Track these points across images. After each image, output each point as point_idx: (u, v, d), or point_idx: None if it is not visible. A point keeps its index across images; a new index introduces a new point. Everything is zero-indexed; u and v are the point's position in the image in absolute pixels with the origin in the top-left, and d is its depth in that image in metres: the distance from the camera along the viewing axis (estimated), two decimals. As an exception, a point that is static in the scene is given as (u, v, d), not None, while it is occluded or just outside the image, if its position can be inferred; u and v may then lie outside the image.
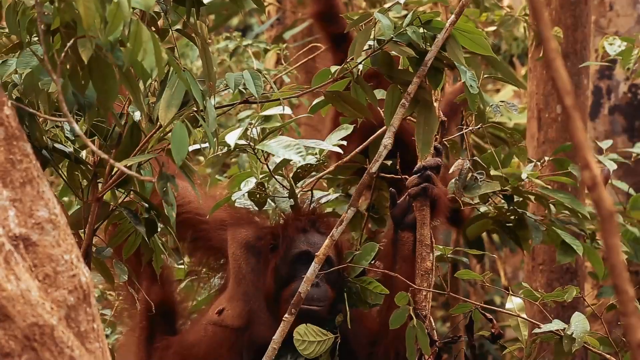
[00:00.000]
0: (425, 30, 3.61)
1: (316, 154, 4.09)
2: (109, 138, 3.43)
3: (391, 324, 3.79)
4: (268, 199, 4.18)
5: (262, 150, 3.87)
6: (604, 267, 4.46)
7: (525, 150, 4.31)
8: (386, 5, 3.83)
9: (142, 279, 4.06)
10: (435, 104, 3.84)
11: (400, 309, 3.79)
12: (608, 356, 3.95)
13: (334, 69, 3.73)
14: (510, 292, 4.12)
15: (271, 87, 3.79)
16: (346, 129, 4.08)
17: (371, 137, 4.09)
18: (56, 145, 3.44)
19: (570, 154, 4.57)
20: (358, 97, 3.69)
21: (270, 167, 4.04)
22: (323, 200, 4.41)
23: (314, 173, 4.23)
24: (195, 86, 3.19)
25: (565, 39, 5.05)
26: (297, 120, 4.49)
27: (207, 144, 3.29)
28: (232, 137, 3.72)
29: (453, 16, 3.63)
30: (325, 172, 4.22)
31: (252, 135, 3.80)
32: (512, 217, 4.38)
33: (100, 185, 3.47)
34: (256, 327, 4.02)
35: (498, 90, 7.37)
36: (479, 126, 4.16)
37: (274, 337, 3.70)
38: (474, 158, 4.23)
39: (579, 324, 3.92)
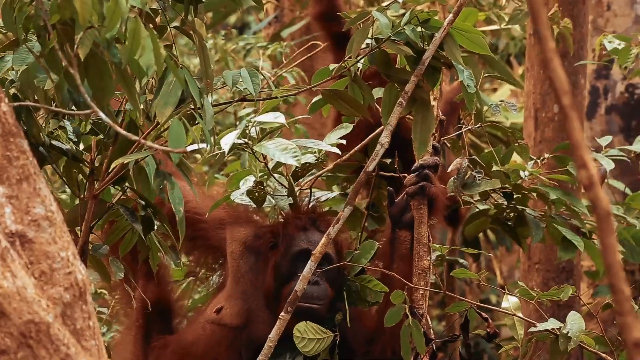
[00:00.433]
0: (423, 29, 3.61)
1: (315, 152, 4.09)
2: (106, 135, 3.43)
3: (386, 322, 3.79)
4: (267, 197, 4.18)
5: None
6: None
7: (527, 148, 4.31)
8: (384, 4, 3.83)
9: (138, 277, 4.06)
10: (433, 103, 3.85)
11: (396, 307, 3.79)
12: (604, 355, 3.96)
13: (332, 67, 3.73)
14: (506, 291, 4.12)
15: (268, 85, 3.78)
16: (345, 128, 4.09)
17: (370, 136, 4.09)
18: (53, 142, 3.43)
19: (568, 153, 4.57)
20: (355, 96, 3.69)
21: (269, 165, 4.04)
22: (323, 199, 4.40)
23: (313, 171, 4.23)
24: (193, 84, 3.19)
25: (562, 38, 5.05)
26: (295, 120, 4.49)
27: (204, 144, 3.29)
28: (227, 140, 3.72)
29: (451, 15, 3.63)
30: (323, 170, 4.22)
31: (250, 134, 3.80)
32: (512, 215, 4.38)
33: (97, 182, 3.46)
34: (255, 325, 4.02)
35: (495, 90, 7.37)
36: (477, 125, 4.16)
37: (270, 336, 3.70)
38: (473, 157, 4.23)
39: (574, 323, 3.92)
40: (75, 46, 2.86)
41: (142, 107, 3.29)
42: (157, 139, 3.36)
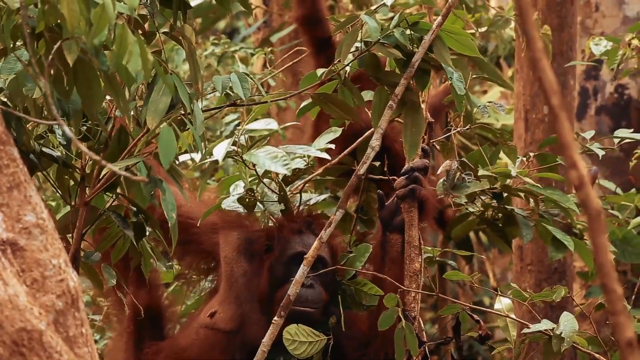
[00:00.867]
0: (412, 32, 3.62)
1: (305, 157, 4.09)
2: (96, 142, 3.42)
3: (380, 326, 3.79)
4: (257, 203, 4.18)
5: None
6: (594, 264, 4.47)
7: (515, 149, 4.32)
8: (373, 7, 3.83)
9: (129, 283, 4.05)
10: (423, 105, 3.85)
11: (389, 310, 3.79)
12: (597, 355, 3.96)
13: (321, 71, 3.73)
14: (499, 293, 4.12)
15: (258, 90, 3.78)
16: (334, 132, 4.09)
17: (359, 139, 4.09)
18: (44, 149, 3.43)
19: (555, 149, 4.58)
20: (345, 99, 3.69)
21: (258, 171, 4.04)
22: (312, 202, 4.41)
23: (304, 176, 4.24)
24: (183, 89, 3.18)
25: (552, 39, 5.06)
26: (286, 126, 4.49)
27: (196, 153, 3.28)
28: (219, 150, 3.72)
29: (440, 17, 3.64)
30: (313, 175, 4.23)
31: (239, 142, 3.80)
32: (500, 215, 4.38)
33: (88, 189, 3.46)
34: (249, 329, 4.01)
35: (485, 92, 7.38)
36: (467, 127, 4.17)
37: (263, 340, 3.69)
38: (462, 159, 4.23)
39: (567, 323, 3.92)
40: (50, 56, 2.85)
41: (132, 113, 3.28)
42: (147, 145, 3.36)
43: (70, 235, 3.46)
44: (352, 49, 3.64)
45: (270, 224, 4.14)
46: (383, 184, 4.21)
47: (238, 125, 5.74)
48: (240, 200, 4.14)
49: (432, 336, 5.39)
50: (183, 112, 3.23)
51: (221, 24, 8.96)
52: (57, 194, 3.57)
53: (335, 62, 3.66)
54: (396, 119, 3.91)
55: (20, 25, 2.92)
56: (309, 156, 4.06)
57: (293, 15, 4.92)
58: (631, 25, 5.82)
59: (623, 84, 6.27)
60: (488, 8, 6.05)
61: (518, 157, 4.33)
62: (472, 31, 5.27)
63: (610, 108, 6.29)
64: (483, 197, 4.32)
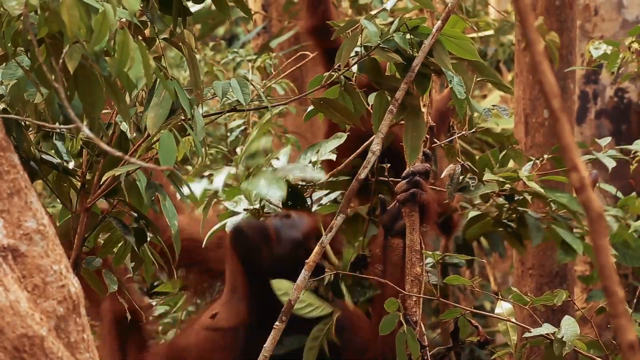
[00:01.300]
0: (412, 36, 3.62)
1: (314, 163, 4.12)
2: (96, 148, 3.42)
3: (381, 330, 3.79)
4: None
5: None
6: None
7: (522, 153, 4.32)
8: (372, 12, 3.84)
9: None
10: (424, 110, 3.85)
11: (390, 315, 3.78)
12: (599, 359, 3.96)
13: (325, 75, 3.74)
14: (500, 297, 4.12)
15: (258, 96, 3.78)
16: (339, 138, 4.10)
17: (363, 145, 4.10)
18: (44, 156, 3.43)
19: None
20: (346, 104, 3.70)
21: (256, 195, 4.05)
22: (324, 201, 4.41)
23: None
24: (183, 95, 3.19)
25: (547, 49, 5.07)
26: (286, 128, 4.50)
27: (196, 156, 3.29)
28: (219, 180, 3.73)
29: (439, 22, 3.64)
30: (318, 182, 4.26)
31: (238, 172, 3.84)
32: (514, 216, 4.38)
33: (88, 195, 3.46)
34: (250, 330, 4.01)
35: (485, 96, 7.39)
36: (472, 131, 4.17)
37: (264, 346, 3.69)
38: (466, 163, 4.23)
39: (569, 327, 3.92)
40: (61, 60, 2.85)
41: (132, 119, 3.28)
42: (147, 151, 3.36)
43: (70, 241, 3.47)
44: (352, 54, 3.64)
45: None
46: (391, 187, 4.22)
47: (244, 130, 5.76)
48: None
49: (433, 341, 5.38)
50: (183, 118, 3.24)
51: (220, 30, 8.97)
52: (57, 201, 3.57)
53: (335, 67, 3.67)
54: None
55: (21, 32, 2.92)
56: (314, 163, 4.08)
57: (303, 25, 4.92)
58: (630, 28, 5.83)
59: (623, 87, 6.28)
60: (487, 12, 6.06)
61: (530, 159, 4.32)
62: (473, 35, 5.29)
63: (610, 112, 6.29)
64: (496, 199, 4.32)
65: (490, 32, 5.77)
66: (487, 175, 4.17)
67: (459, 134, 4.23)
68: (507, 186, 4.25)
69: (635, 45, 4.98)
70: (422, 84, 3.70)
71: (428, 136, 4.06)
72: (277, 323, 3.70)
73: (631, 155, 4.58)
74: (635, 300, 4.60)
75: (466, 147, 5.67)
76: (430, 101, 4.20)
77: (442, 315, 4.15)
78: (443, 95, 5.06)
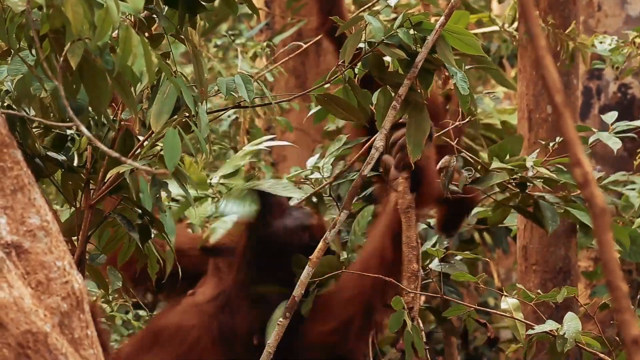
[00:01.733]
0: (415, 32, 3.62)
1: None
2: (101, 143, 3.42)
3: (390, 328, 3.82)
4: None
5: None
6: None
7: (522, 139, 4.31)
8: (375, 8, 3.82)
9: None
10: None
11: (397, 312, 3.80)
12: (602, 355, 3.96)
13: (329, 72, 3.75)
14: (505, 294, 4.12)
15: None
16: (339, 141, 4.15)
17: (368, 142, 4.10)
18: (49, 153, 3.43)
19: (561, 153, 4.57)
20: (350, 100, 3.70)
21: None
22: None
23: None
24: (187, 92, 3.19)
25: (554, 39, 5.06)
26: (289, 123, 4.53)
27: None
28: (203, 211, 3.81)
29: (442, 17, 3.64)
30: (322, 185, 4.29)
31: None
32: (531, 201, 4.37)
33: (92, 192, 3.46)
34: (231, 309, 4.05)
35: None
36: (466, 120, 4.18)
37: (268, 342, 3.69)
38: (463, 154, 4.22)
39: (571, 323, 3.92)
40: (62, 56, 2.85)
41: (138, 115, 3.29)
42: (151, 148, 3.36)
43: (75, 237, 3.47)
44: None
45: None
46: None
47: (235, 119, 5.80)
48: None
49: (431, 337, 5.38)
50: (187, 115, 3.24)
51: (223, 27, 8.96)
52: (62, 197, 3.57)
53: (339, 63, 3.67)
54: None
55: (24, 27, 2.93)
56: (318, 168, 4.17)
57: (318, 27, 4.89)
58: (633, 24, 5.82)
59: (626, 83, 6.27)
60: (491, 8, 6.05)
61: (542, 143, 4.29)
62: (476, 31, 5.28)
63: (613, 107, 6.27)
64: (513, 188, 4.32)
65: (494, 27, 5.75)
66: (495, 164, 4.16)
67: (454, 125, 4.21)
68: (517, 175, 4.24)
69: (638, 40, 4.97)
70: (426, 80, 3.69)
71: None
72: (280, 319, 3.70)
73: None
74: (639, 296, 4.60)
75: (469, 144, 5.67)
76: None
77: (446, 312, 4.15)
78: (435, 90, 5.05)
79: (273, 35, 7.09)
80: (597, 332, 4.14)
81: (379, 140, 3.71)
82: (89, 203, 3.43)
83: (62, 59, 2.85)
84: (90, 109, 3.15)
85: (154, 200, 3.29)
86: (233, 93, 3.52)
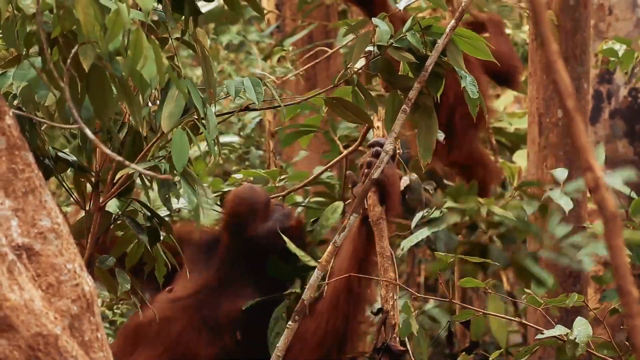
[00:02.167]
0: (425, 36, 3.61)
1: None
2: (110, 147, 3.43)
3: (401, 334, 3.86)
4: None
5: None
6: None
7: (476, 186, 4.33)
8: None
9: None
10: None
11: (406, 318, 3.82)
12: (611, 360, 3.95)
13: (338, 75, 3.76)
14: (514, 299, 4.12)
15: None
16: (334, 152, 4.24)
17: (348, 150, 4.16)
18: (59, 154, 3.44)
19: (573, 156, 4.57)
20: (359, 103, 3.70)
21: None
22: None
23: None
24: (196, 94, 3.19)
25: (565, 42, 5.05)
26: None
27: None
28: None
29: (453, 21, 3.63)
30: (297, 187, 4.37)
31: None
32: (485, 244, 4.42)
33: (102, 194, 3.47)
34: (209, 301, 4.07)
35: (498, 96, 7.37)
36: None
37: (277, 345, 3.69)
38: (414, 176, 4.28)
39: (581, 328, 3.91)
40: (69, 59, 2.85)
41: (146, 118, 3.29)
42: (160, 150, 3.36)
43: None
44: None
45: None
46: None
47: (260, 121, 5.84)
48: None
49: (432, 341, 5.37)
50: (196, 117, 3.24)
51: (233, 30, 8.96)
52: (72, 200, 3.58)
53: (348, 66, 3.67)
54: None
55: (35, 32, 2.93)
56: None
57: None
58: (645, 28, 5.81)
59: (637, 87, 6.25)
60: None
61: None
62: (486, 35, 5.27)
63: (624, 111, 6.27)
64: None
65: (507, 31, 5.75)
66: (449, 204, 4.20)
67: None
68: (467, 219, 4.29)
69: (649, 45, 4.96)
70: (436, 84, 3.69)
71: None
72: (290, 322, 3.70)
73: None
74: (649, 301, 4.58)
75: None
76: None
77: (455, 317, 4.14)
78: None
79: (284, 38, 7.09)
80: (607, 337, 4.13)
81: (388, 144, 3.71)
82: (98, 205, 3.43)
83: (69, 60, 2.85)
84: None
85: (163, 201, 3.30)
86: (242, 96, 3.52)
